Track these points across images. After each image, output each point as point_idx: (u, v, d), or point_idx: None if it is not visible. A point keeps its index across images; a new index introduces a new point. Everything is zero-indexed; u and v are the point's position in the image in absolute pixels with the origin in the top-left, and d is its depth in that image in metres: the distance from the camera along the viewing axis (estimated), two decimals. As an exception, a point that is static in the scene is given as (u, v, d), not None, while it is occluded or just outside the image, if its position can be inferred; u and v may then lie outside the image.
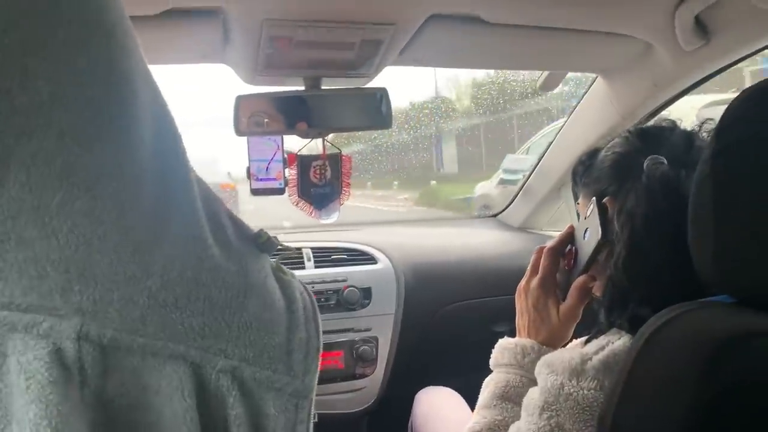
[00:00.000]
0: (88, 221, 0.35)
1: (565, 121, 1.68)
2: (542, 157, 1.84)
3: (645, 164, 0.78)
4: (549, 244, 0.95)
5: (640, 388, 0.56)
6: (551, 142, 1.79)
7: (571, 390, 0.74)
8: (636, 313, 0.76)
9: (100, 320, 0.36)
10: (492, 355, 0.97)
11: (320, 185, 1.30)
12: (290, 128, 1.21)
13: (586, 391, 0.73)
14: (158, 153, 0.39)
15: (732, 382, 0.49)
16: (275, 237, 0.49)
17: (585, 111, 1.57)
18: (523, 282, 0.97)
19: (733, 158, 0.56)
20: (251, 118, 1.20)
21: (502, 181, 2.08)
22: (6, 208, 0.34)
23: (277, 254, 0.51)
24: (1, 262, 0.34)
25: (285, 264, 0.51)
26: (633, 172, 0.79)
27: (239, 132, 1.20)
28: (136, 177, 0.37)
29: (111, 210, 0.36)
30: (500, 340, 0.97)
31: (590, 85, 1.51)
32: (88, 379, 0.36)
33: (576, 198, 0.95)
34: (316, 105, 1.21)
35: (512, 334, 0.99)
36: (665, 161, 0.77)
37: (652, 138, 0.83)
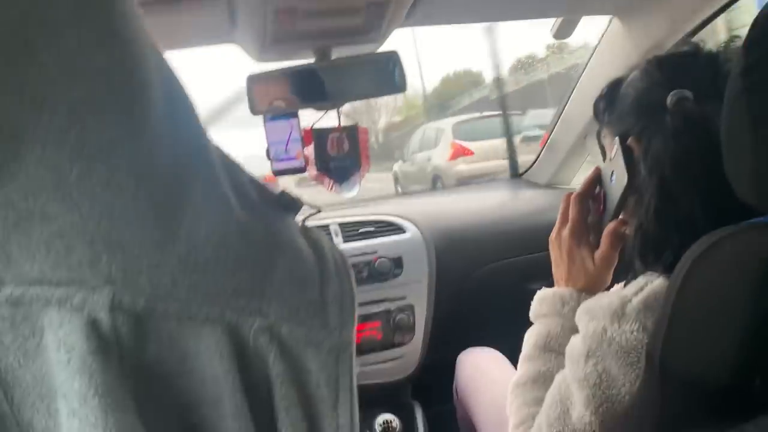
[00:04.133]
0: (108, 192, 0.35)
1: (584, 68, 1.63)
2: (564, 107, 1.80)
3: (670, 102, 0.73)
4: (576, 190, 0.92)
5: (689, 314, 0.54)
6: (570, 92, 1.75)
7: (614, 334, 0.72)
8: (672, 259, 0.73)
9: (131, 288, 0.36)
10: (531, 307, 0.96)
11: (339, 158, 1.29)
12: (304, 102, 1.20)
13: (629, 334, 0.71)
14: (171, 117, 0.39)
15: None
16: (299, 197, 0.48)
17: (603, 55, 1.52)
18: (554, 232, 0.96)
19: (764, 72, 0.53)
20: (265, 96, 1.19)
21: (525, 139, 2.04)
22: (25, 185, 0.34)
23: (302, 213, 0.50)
24: (27, 239, 0.34)
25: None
26: (656, 109, 0.75)
27: (255, 111, 1.19)
28: (151, 143, 0.37)
29: (129, 178, 0.35)
30: (539, 292, 0.95)
31: (606, 29, 1.46)
32: (126, 350, 0.36)
33: (600, 136, 0.92)
34: (328, 76, 1.19)
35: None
36: (690, 95, 0.73)
37: (672, 69, 0.78)
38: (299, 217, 0.50)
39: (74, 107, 0.34)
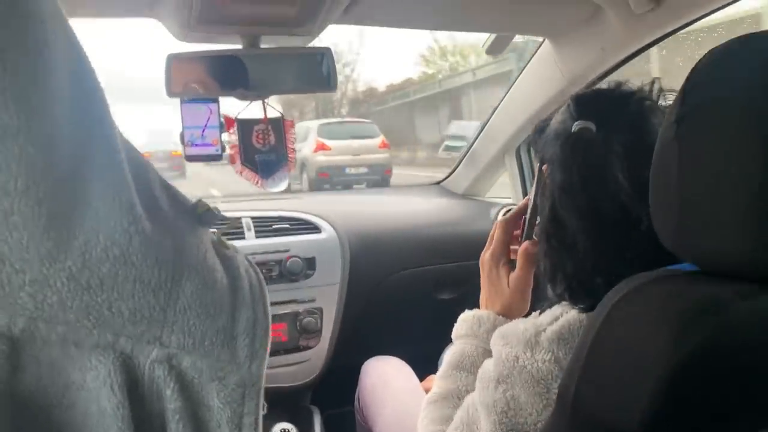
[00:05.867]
0: None
1: (511, 85, 1.65)
2: (488, 121, 1.82)
3: (572, 131, 0.75)
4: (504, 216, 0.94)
5: (604, 362, 0.54)
6: (496, 107, 1.77)
7: (526, 362, 0.72)
8: (568, 284, 0.75)
9: (9, 307, 0.30)
10: (454, 328, 0.96)
11: (264, 151, 1.23)
12: (227, 90, 1.14)
13: (540, 364, 0.71)
14: (76, 110, 0.33)
15: (701, 351, 0.48)
16: (215, 208, 0.44)
17: (531, 75, 1.55)
18: (481, 255, 0.96)
19: (698, 122, 0.54)
20: (185, 79, 1.11)
21: (447, 148, 2.06)
22: None
23: (218, 226, 0.46)
24: None
25: (224, 235, 0.46)
26: (561, 139, 0.77)
27: (171, 94, 1.11)
28: (49, 138, 0.31)
29: (18, 177, 0.30)
30: (461, 314, 0.95)
31: (537, 49, 1.49)
32: None
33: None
34: (255, 65, 1.14)
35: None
36: (592, 126, 0.74)
37: (584, 102, 0.79)
38: (214, 230, 0.46)
39: None
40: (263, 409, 0.41)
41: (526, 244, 0.87)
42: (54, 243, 0.31)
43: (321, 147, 10.02)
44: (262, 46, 1.14)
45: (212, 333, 0.38)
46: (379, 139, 10.42)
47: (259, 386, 0.40)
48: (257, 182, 1.25)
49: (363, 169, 9.88)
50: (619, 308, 0.55)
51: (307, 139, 10.16)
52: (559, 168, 0.75)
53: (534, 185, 0.85)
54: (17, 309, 0.31)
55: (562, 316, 0.74)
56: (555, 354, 0.71)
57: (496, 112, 1.77)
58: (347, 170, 9.80)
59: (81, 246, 0.32)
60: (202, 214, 0.42)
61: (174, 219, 0.39)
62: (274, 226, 1.57)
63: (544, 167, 0.80)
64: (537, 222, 0.83)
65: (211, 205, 0.43)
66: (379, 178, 10.01)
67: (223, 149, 1.28)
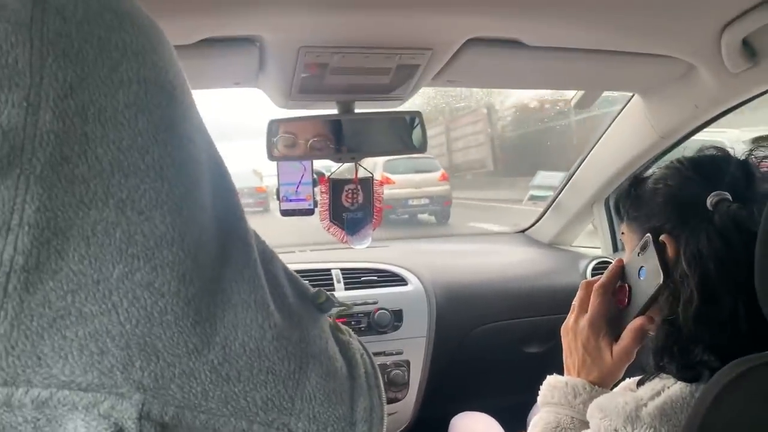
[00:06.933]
0: (149, 294, 0.34)
1: (599, 137, 1.64)
2: (574, 173, 1.81)
3: (710, 202, 0.73)
4: (599, 281, 0.90)
5: None
6: (583, 158, 1.76)
7: None
8: (698, 359, 0.72)
9: (161, 397, 0.34)
10: (540, 393, 0.93)
11: (352, 210, 1.28)
12: (324, 153, 1.19)
13: None
14: (218, 215, 0.37)
15: None
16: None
17: (620, 128, 1.53)
18: (570, 320, 0.92)
19: None
20: (284, 143, 1.18)
21: (532, 198, 2.05)
22: (65, 282, 0.32)
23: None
24: (62, 339, 0.33)
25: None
26: (694, 208, 0.75)
27: (272, 157, 1.18)
28: (197, 244, 0.36)
29: (171, 280, 0.34)
30: (549, 378, 0.92)
31: (627, 102, 1.48)
32: None
33: (614, 226, 0.92)
34: (349, 129, 1.19)
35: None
36: (729, 197, 0.73)
37: (708, 171, 0.77)
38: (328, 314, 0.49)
39: (123, 203, 0.33)
40: None
41: (641, 319, 0.82)
42: (199, 339, 0.35)
43: (386, 181, 10.84)
44: (356, 110, 1.20)
45: (334, 420, 0.41)
46: (439, 173, 11.08)
47: None
48: (343, 239, 1.29)
49: (424, 201, 10.54)
50: (729, 391, 0.54)
51: (374, 173, 11.40)
52: (717, 240, 0.72)
53: (644, 256, 0.80)
54: (168, 399, 0.35)
55: (663, 390, 0.72)
56: (657, 430, 0.69)
57: (583, 163, 1.75)
58: (410, 202, 10.42)
59: (222, 341, 0.36)
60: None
61: (298, 309, 0.42)
62: (362, 278, 1.61)
63: (663, 237, 0.78)
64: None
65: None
66: (439, 209, 10.56)
67: (315, 204, 1.35)
